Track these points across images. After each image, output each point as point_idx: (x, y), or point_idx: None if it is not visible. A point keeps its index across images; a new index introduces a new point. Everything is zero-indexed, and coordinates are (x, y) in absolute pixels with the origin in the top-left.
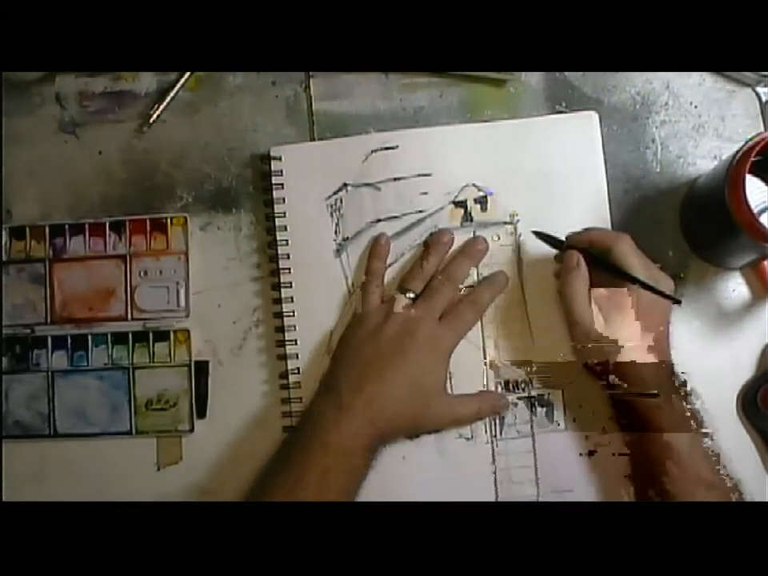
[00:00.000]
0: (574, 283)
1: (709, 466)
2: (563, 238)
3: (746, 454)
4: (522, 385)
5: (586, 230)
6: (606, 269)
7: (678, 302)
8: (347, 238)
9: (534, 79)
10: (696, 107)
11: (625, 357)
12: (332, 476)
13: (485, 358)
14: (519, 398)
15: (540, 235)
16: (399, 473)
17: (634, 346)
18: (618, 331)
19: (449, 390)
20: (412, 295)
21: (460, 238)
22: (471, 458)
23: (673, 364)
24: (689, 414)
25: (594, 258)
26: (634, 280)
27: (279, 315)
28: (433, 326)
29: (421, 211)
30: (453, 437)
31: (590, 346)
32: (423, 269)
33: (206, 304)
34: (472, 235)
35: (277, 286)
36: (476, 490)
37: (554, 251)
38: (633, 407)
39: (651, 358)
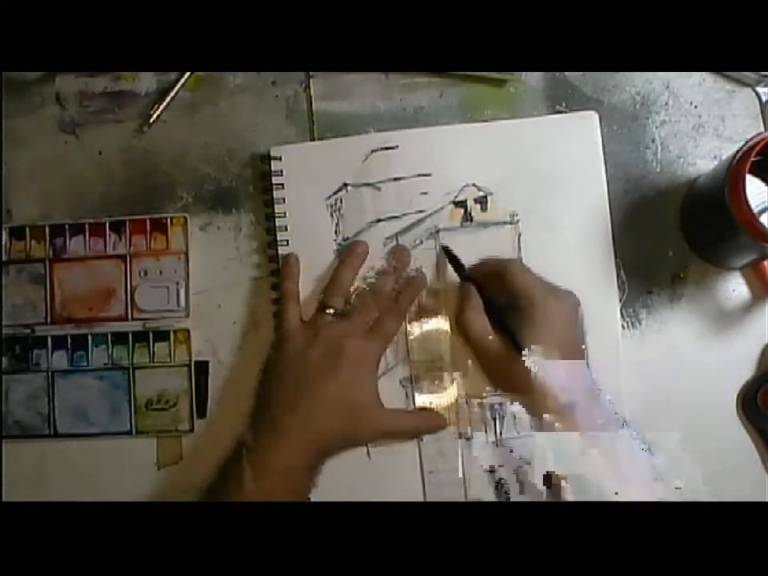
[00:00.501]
0: (470, 313)
1: None
2: (464, 264)
3: (745, 453)
4: None
5: (481, 262)
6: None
7: (520, 351)
8: (347, 238)
9: (534, 79)
10: (696, 107)
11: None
12: (275, 498)
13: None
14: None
15: (447, 253)
16: (399, 473)
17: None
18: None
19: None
20: (332, 311)
21: (461, 238)
22: (471, 458)
23: (589, 370)
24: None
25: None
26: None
27: (279, 315)
28: (359, 340)
29: (421, 211)
30: (453, 437)
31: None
32: (342, 284)
33: (205, 304)
34: (473, 236)
35: (277, 286)
36: (476, 491)
37: (555, 253)
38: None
39: (565, 365)
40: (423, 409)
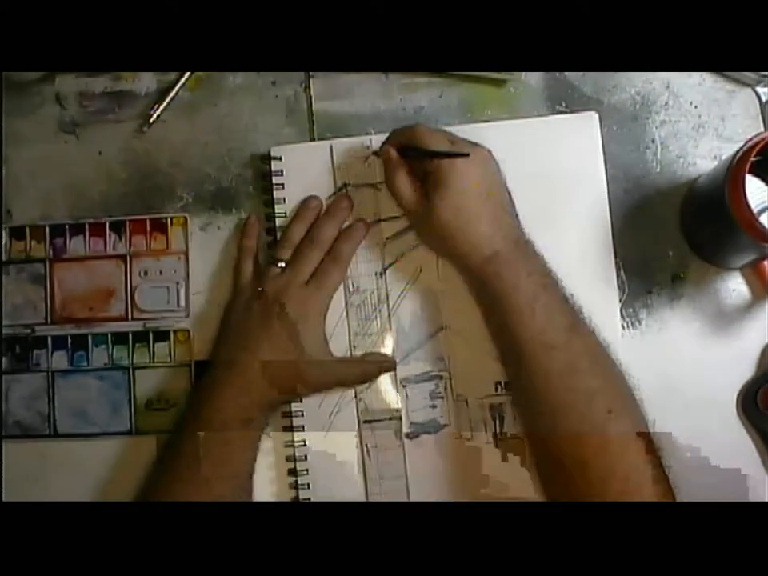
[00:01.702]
0: (397, 176)
1: (564, 310)
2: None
3: (746, 453)
4: None
5: (393, 131)
6: (414, 156)
7: (466, 155)
8: None
9: (534, 79)
10: (696, 107)
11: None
12: (206, 450)
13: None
14: None
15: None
16: (398, 473)
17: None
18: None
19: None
20: (282, 264)
21: None
22: (471, 458)
23: (517, 220)
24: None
25: (402, 150)
26: (428, 153)
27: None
28: (301, 290)
29: None
30: (453, 437)
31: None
32: (290, 236)
33: (205, 304)
34: None
35: None
36: (476, 490)
37: (555, 253)
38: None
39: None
40: (369, 353)
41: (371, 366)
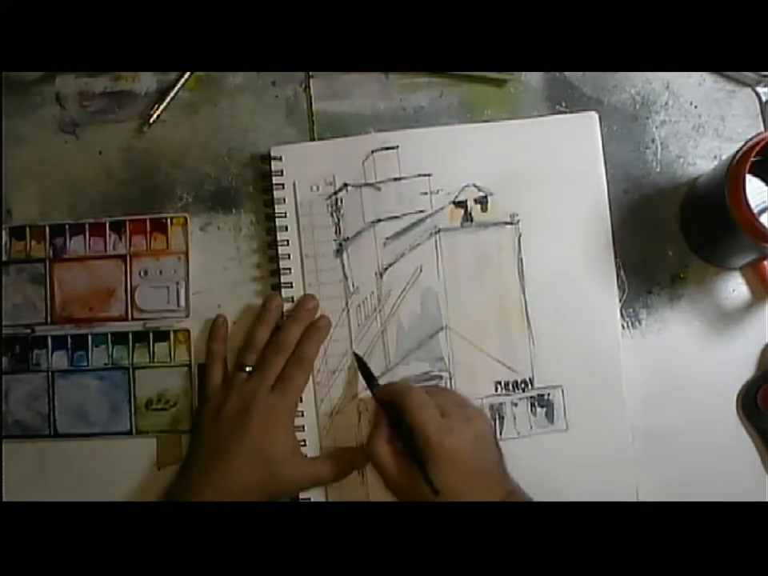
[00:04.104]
0: (375, 443)
1: None
2: (375, 376)
3: (746, 453)
4: (522, 385)
5: (388, 384)
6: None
7: (436, 492)
8: (347, 238)
9: (534, 79)
10: (696, 107)
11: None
12: None
13: (488, 358)
14: (519, 398)
15: (359, 362)
16: None
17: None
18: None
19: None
20: (249, 369)
21: (461, 239)
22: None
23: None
24: None
25: (391, 413)
26: (413, 451)
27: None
28: (267, 396)
29: (421, 211)
30: None
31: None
32: (255, 340)
33: (206, 304)
34: (473, 236)
35: (277, 286)
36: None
37: (555, 253)
38: None
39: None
40: (340, 449)
41: (343, 464)
